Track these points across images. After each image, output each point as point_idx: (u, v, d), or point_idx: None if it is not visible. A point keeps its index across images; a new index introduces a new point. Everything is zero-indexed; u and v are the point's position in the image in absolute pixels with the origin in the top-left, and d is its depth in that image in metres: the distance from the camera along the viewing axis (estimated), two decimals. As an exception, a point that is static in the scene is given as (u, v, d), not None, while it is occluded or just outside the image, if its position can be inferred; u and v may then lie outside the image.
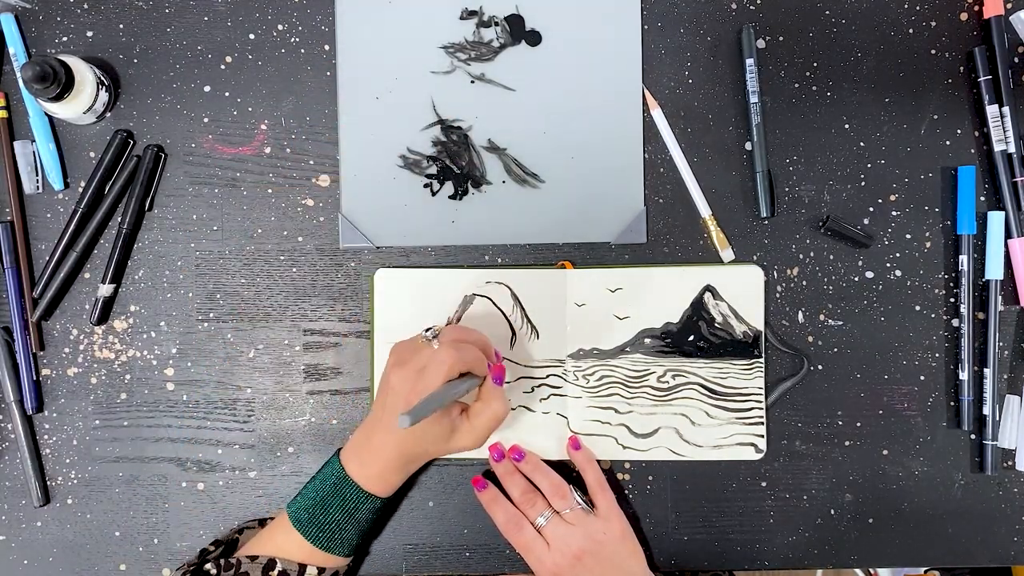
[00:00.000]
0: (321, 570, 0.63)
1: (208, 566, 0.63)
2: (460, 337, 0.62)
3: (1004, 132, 0.69)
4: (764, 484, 0.70)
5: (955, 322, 0.70)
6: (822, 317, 0.70)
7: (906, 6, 0.71)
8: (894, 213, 0.71)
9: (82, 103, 0.67)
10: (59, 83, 0.64)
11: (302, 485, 0.69)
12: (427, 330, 0.62)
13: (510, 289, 0.70)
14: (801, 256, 0.71)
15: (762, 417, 0.69)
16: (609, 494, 0.67)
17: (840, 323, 0.70)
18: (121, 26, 0.72)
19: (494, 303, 0.70)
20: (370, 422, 0.64)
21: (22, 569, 0.71)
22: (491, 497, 0.67)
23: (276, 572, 0.62)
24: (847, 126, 0.71)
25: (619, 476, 0.70)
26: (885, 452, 0.70)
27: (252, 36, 0.72)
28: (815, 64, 0.71)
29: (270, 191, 0.71)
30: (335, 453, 0.65)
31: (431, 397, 0.58)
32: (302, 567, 0.62)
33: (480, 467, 0.71)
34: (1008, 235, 0.70)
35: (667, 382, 0.70)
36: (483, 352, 0.63)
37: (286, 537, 0.63)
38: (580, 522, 0.65)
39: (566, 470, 0.70)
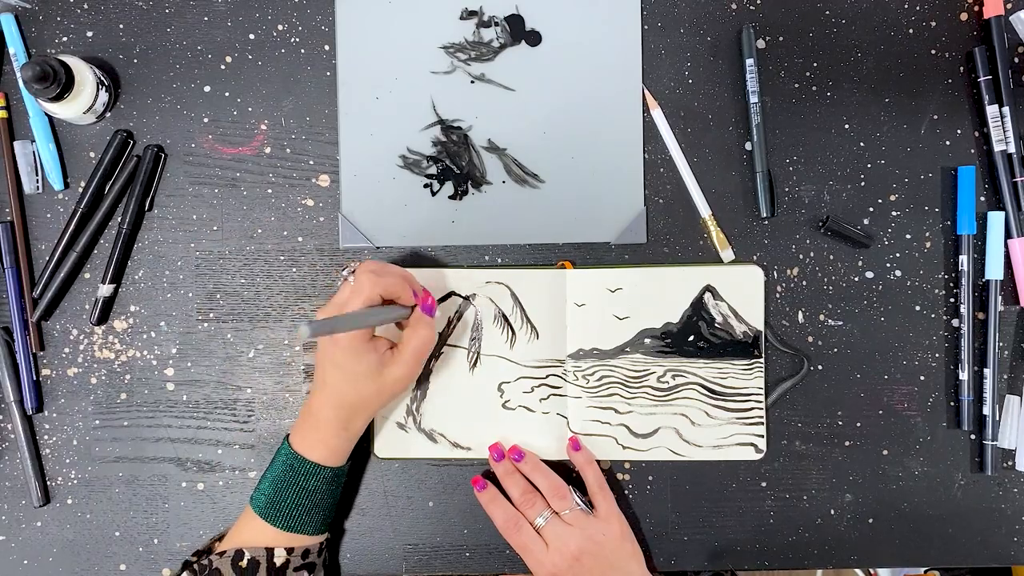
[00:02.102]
0: (290, 550, 0.63)
1: (185, 574, 0.63)
2: (378, 268, 0.62)
3: (1004, 132, 0.69)
4: (764, 484, 0.70)
5: (955, 322, 0.70)
6: (822, 317, 0.70)
7: (906, 6, 0.71)
8: (894, 213, 0.71)
9: (82, 103, 0.67)
10: (59, 83, 0.64)
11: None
12: (343, 269, 0.63)
13: (510, 289, 0.70)
14: (801, 256, 0.71)
15: (762, 417, 0.69)
16: (609, 495, 0.67)
17: (840, 323, 0.70)
18: (121, 26, 0.72)
19: (494, 303, 0.70)
20: (309, 395, 0.65)
21: (22, 569, 0.71)
22: (490, 497, 0.67)
23: (245, 561, 0.62)
24: (847, 126, 0.71)
25: (619, 476, 0.70)
26: (885, 452, 0.70)
27: (252, 36, 0.72)
28: (815, 64, 0.71)
29: (270, 191, 0.72)
30: (285, 436, 0.65)
31: (341, 316, 0.58)
32: (269, 551, 0.62)
33: (480, 467, 0.71)
34: (1008, 235, 0.70)
35: (667, 382, 0.70)
36: (407, 283, 0.63)
37: (251, 527, 0.63)
38: (579, 523, 0.65)
39: (566, 470, 0.70)
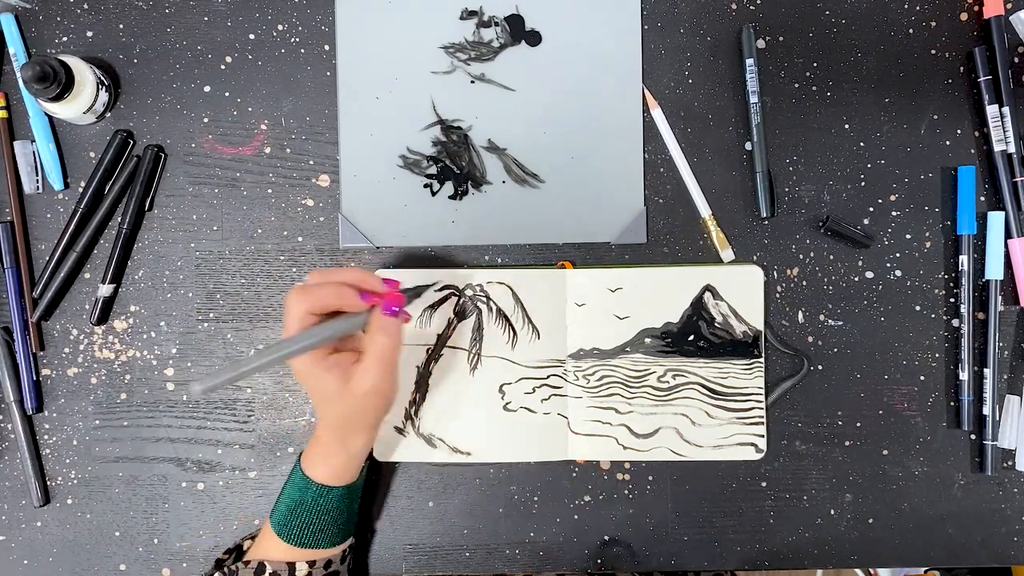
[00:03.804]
0: (311, 563, 0.63)
1: (217, 575, 0.64)
2: (319, 279, 0.58)
3: (1004, 132, 0.69)
4: (764, 484, 0.70)
5: (955, 322, 0.70)
6: (822, 317, 0.70)
7: (906, 6, 0.71)
8: (894, 213, 0.71)
9: (82, 103, 0.67)
10: (59, 83, 0.64)
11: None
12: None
13: (510, 289, 0.70)
14: (801, 256, 0.71)
15: (762, 417, 0.69)
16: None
17: (840, 323, 0.70)
18: (121, 26, 0.72)
19: (494, 303, 0.70)
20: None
21: (22, 569, 0.71)
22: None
23: (267, 574, 0.62)
24: (847, 126, 0.71)
25: (619, 476, 0.70)
26: (885, 452, 0.70)
27: (252, 36, 0.72)
28: (815, 64, 0.71)
29: (270, 191, 0.71)
30: (298, 456, 0.65)
31: (237, 362, 0.54)
32: (291, 565, 0.62)
33: (479, 471, 0.71)
34: (1008, 235, 0.70)
35: (667, 382, 0.70)
36: (356, 285, 0.58)
37: (271, 543, 0.63)
38: None
39: (567, 470, 0.70)
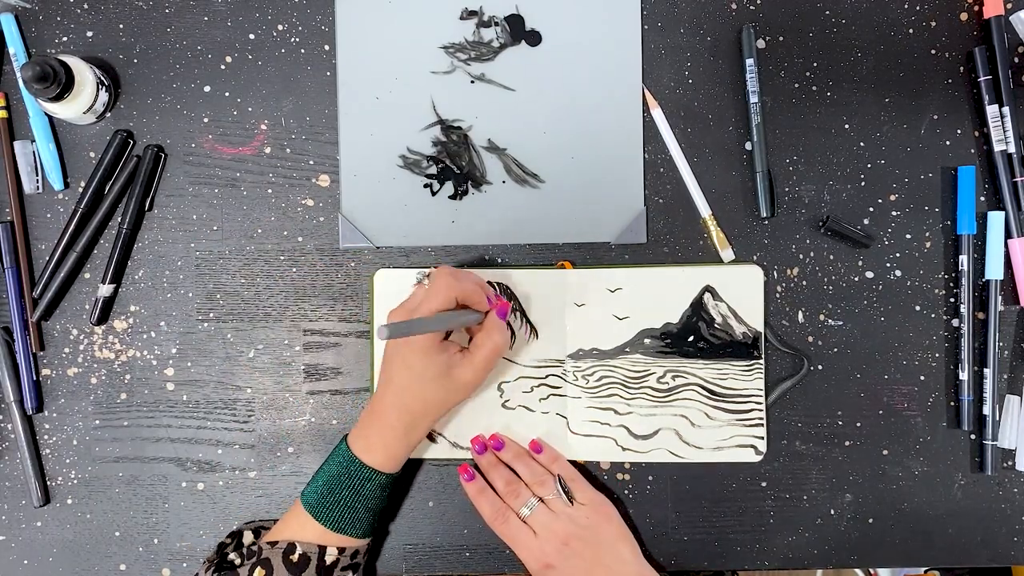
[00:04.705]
0: (341, 550, 0.63)
1: (232, 556, 0.63)
2: (455, 272, 0.63)
3: (1004, 132, 0.69)
4: (764, 484, 0.70)
5: (955, 322, 0.70)
6: (822, 317, 0.70)
7: (906, 6, 0.71)
8: (894, 213, 0.71)
9: (82, 103, 0.67)
10: (59, 83, 0.64)
11: (303, 484, 0.69)
12: (418, 272, 0.64)
13: (510, 289, 0.70)
14: (801, 256, 0.71)
15: (762, 419, 0.69)
16: (584, 483, 0.68)
17: (840, 323, 0.70)
18: (121, 26, 0.72)
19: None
20: (373, 397, 0.65)
21: (22, 569, 0.71)
22: (478, 489, 0.67)
23: (296, 555, 0.62)
24: (847, 126, 0.71)
25: (619, 476, 0.70)
26: (885, 452, 0.70)
27: (252, 36, 0.72)
28: (815, 64, 0.71)
29: (270, 191, 0.72)
30: (343, 437, 0.65)
31: (419, 319, 0.59)
32: (321, 548, 0.62)
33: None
34: (1008, 235, 0.70)
35: (667, 383, 0.70)
36: (483, 288, 0.64)
37: (301, 523, 0.63)
38: (563, 509, 0.66)
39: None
